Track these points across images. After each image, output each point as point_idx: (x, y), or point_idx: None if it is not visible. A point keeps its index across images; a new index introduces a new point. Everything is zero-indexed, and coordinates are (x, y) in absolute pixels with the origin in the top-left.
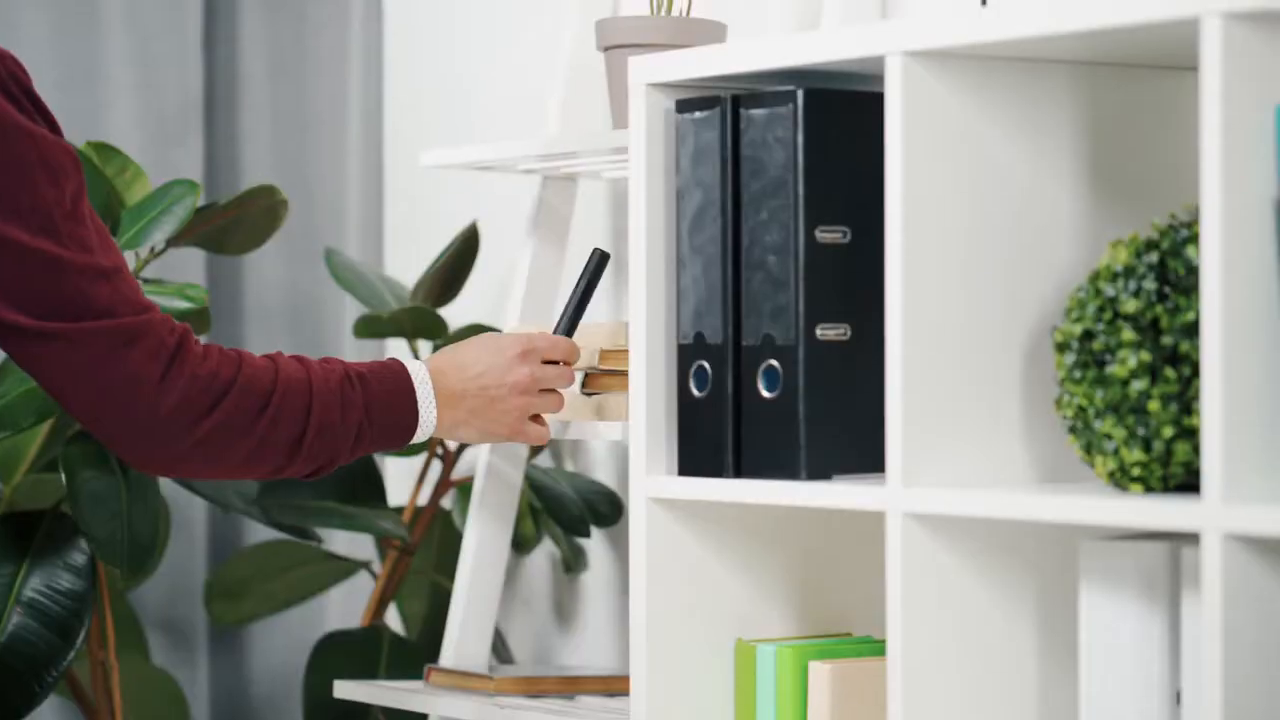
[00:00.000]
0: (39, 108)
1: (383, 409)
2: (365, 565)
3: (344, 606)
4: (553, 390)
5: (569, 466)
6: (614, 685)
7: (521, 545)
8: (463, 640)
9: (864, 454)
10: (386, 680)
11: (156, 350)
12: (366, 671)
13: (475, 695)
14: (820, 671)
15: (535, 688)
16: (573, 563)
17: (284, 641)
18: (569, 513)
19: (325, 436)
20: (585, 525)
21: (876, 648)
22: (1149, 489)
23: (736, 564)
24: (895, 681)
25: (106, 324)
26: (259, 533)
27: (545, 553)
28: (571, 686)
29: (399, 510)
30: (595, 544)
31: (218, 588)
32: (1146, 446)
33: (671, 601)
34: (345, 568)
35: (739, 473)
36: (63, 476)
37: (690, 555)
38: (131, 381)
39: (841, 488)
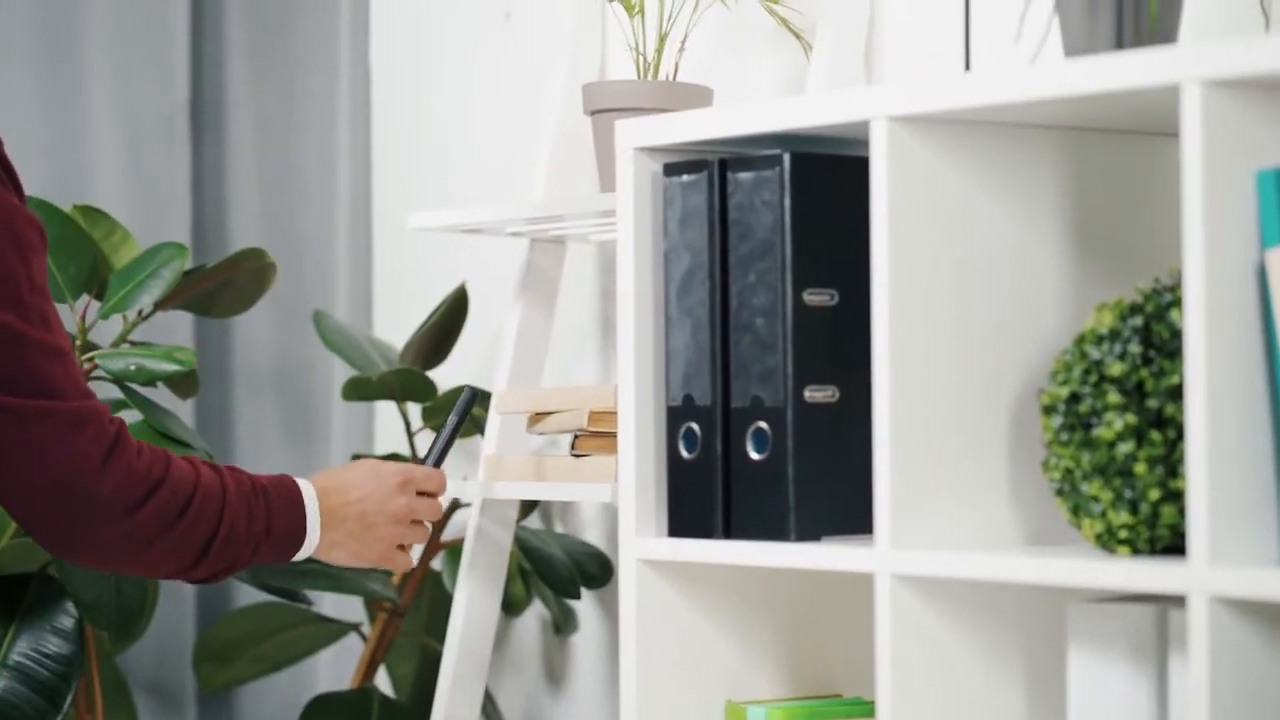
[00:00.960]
0: (9, 173)
1: (281, 523)
2: (355, 627)
3: (334, 668)
4: (420, 522)
5: (559, 528)
6: None
7: (511, 607)
8: (453, 702)
9: (853, 515)
10: None
11: (99, 437)
12: None
13: None
14: None
15: None
16: (563, 624)
17: (274, 704)
18: (559, 574)
19: (231, 543)
20: (575, 587)
21: (866, 709)
22: (1136, 551)
23: (726, 625)
24: None
25: (59, 405)
26: (248, 595)
27: (535, 614)
28: None
29: (388, 573)
30: (585, 605)
31: (206, 650)
32: (1133, 509)
33: (662, 662)
34: (335, 630)
35: (728, 534)
36: None
37: (680, 616)
38: (74, 464)
39: (831, 549)
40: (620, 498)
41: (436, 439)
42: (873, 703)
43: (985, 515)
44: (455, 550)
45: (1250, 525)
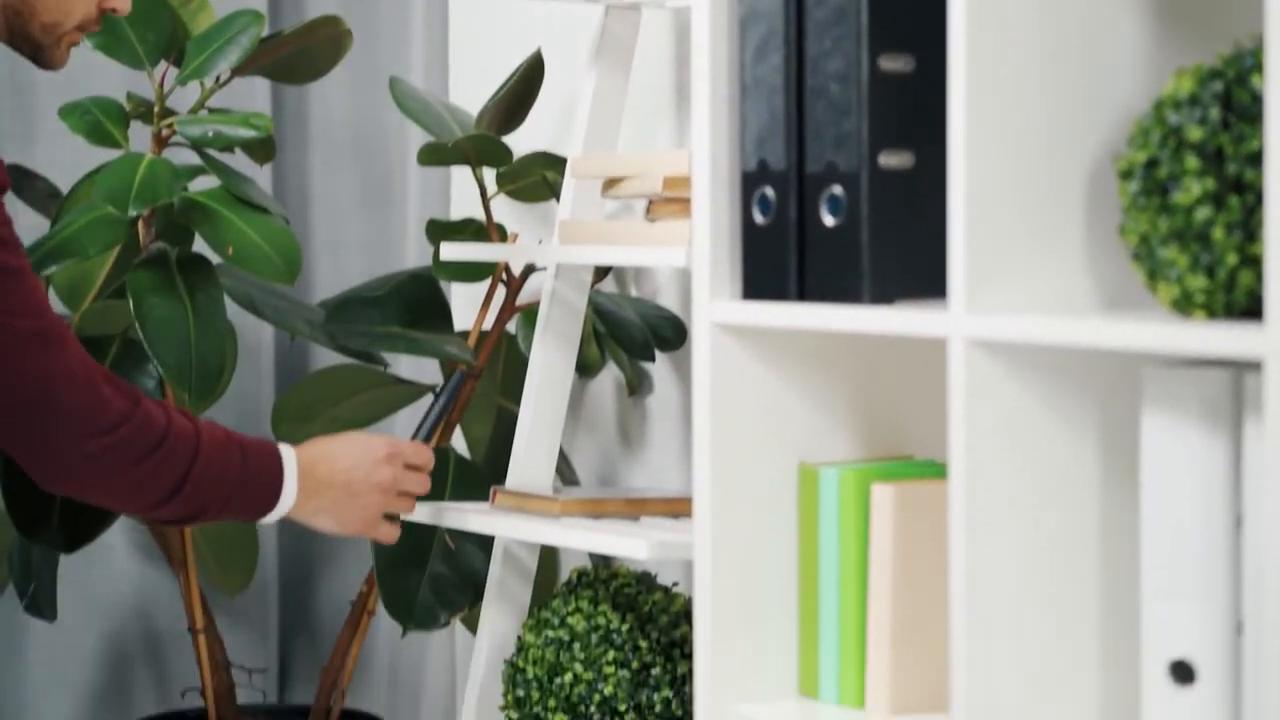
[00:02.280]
0: None
1: (254, 481)
2: (431, 389)
3: (410, 430)
4: (407, 494)
5: (633, 292)
6: (678, 507)
7: (586, 369)
8: (528, 463)
9: (927, 280)
10: (452, 502)
11: (65, 355)
12: (432, 494)
13: (540, 517)
14: (883, 494)
15: (599, 509)
16: (637, 386)
17: None
18: (633, 337)
19: (202, 488)
20: (649, 349)
21: (938, 470)
22: (1212, 316)
23: (800, 388)
24: (957, 504)
25: (20, 323)
26: (325, 358)
27: (610, 376)
28: (635, 508)
29: (464, 334)
30: (659, 368)
31: (285, 411)
32: (1210, 273)
33: (735, 425)
34: (411, 392)
35: (802, 298)
36: (130, 303)
37: (754, 379)
38: (41, 379)
39: (904, 313)
40: (694, 262)
41: (425, 416)
42: (945, 465)
43: (1060, 280)
44: (530, 313)
45: None
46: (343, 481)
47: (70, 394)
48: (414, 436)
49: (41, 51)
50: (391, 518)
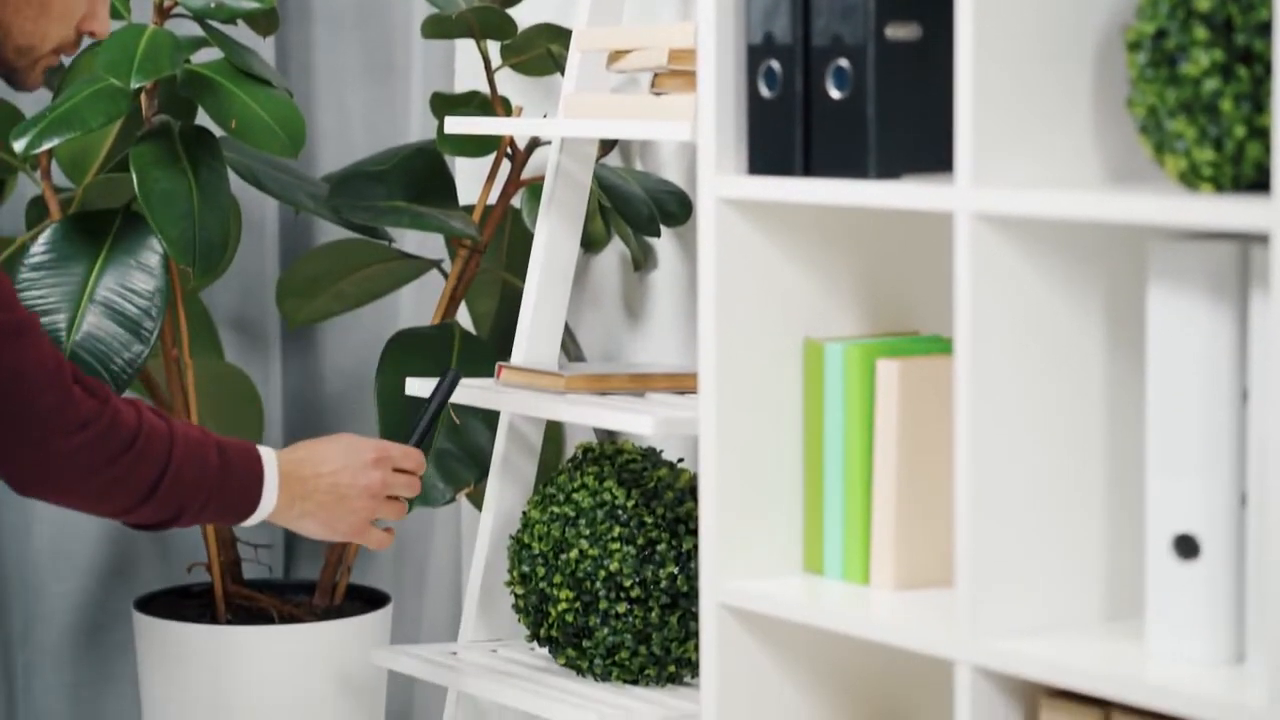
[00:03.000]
0: None
1: (233, 482)
2: (436, 264)
3: (415, 305)
4: (398, 498)
5: (638, 166)
6: (683, 383)
7: (591, 244)
8: (533, 338)
9: (934, 154)
10: None
11: (39, 347)
12: (438, 369)
13: (546, 393)
14: (888, 369)
15: (605, 385)
16: (642, 261)
17: (356, 339)
18: (638, 211)
19: (179, 488)
20: (655, 224)
21: (944, 346)
22: (1219, 188)
23: (805, 263)
24: (963, 380)
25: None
26: (330, 232)
27: (615, 251)
28: (641, 384)
29: (469, 209)
30: (664, 243)
31: (289, 286)
32: (1218, 146)
33: (740, 300)
34: (416, 266)
35: (808, 172)
36: (133, 177)
37: (759, 255)
38: (14, 374)
39: (910, 187)
40: (700, 136)
41: (417, 418)
42: (950, 341)
43: (1068, 154)
44: (535, 188)
45: None
46: (329, 485)
47: (40, 390)
48: (406, 439)
49: (15, 74)
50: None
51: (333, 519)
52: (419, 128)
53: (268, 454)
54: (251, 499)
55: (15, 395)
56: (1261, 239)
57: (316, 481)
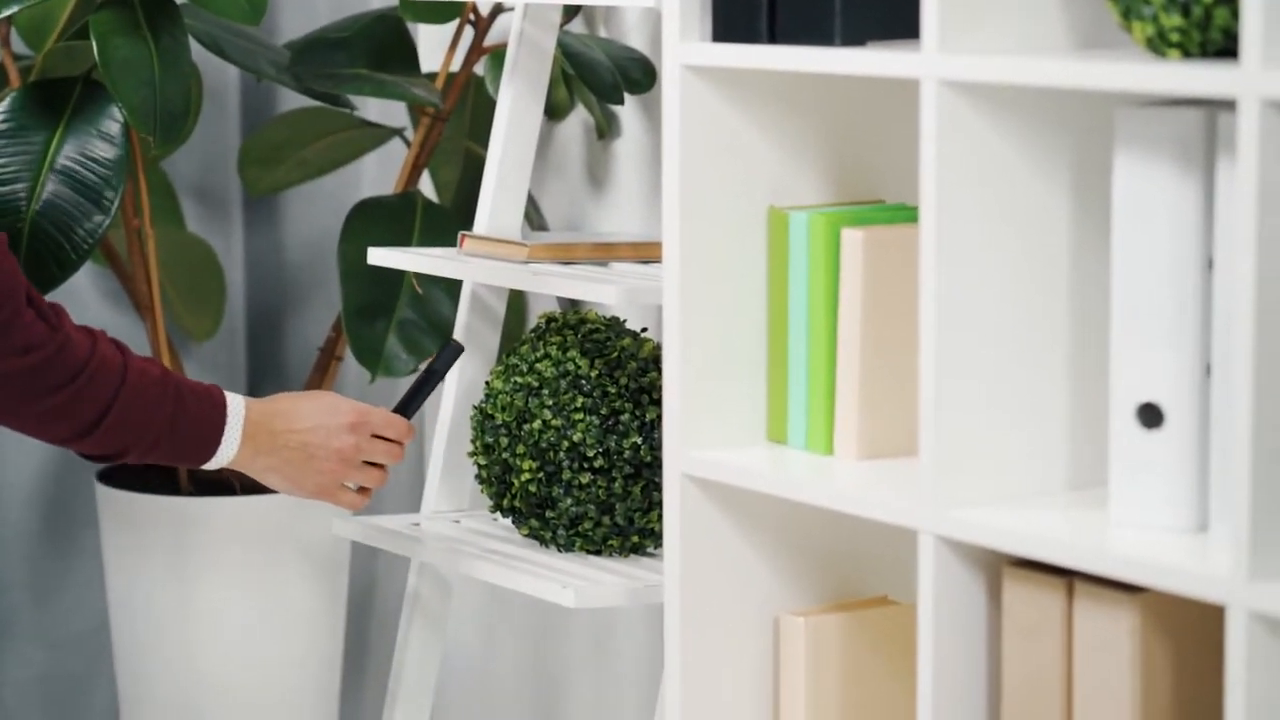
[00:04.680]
0: None
1: (187, 426)
2: (398, 132)
3: (378, 174)
4: (379, 465)
5: (602, 33)
6: (647, 251)
7: (554, 112)
8: (496, 207)
9: (900, 21)
10: (420, 247)
11: (11, 269)
12: (400, 238)
13: (508, 262)
14: (853, 238)
15: (568, 254)
16: (605, 129)
17: (319, 208)
18: (602, 79)
19: (124, 427)
20: (618, 91)
21: (909, 214)
22: (1187, 54)
23: (770, 131)
24: (928, 248)
25: None
26: (292, 100)
27: (578, 119)
28: (604, 253)
29: (432, 76)
30: (628, 110)
31: (251, 156)
32: (1185, 11)
33: (705, 168)
34: (378, 135)
35: (773, 39)
36: (93, 44)
37: (724, 122)
38: None
39: (876, 54)
40: (664, 2)
41: (411, 387)
42: (916, 209)
43: (1035, 20)
44: (498, 55)
45: None
46: (299, 443)
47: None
48: (395, 409)
49: None
50: (364, 490)
51: (298, 476)
52: None
53: (235, 403)
54: (207, 446)
55: None
56: (1228, 105)
57: (287, 437)
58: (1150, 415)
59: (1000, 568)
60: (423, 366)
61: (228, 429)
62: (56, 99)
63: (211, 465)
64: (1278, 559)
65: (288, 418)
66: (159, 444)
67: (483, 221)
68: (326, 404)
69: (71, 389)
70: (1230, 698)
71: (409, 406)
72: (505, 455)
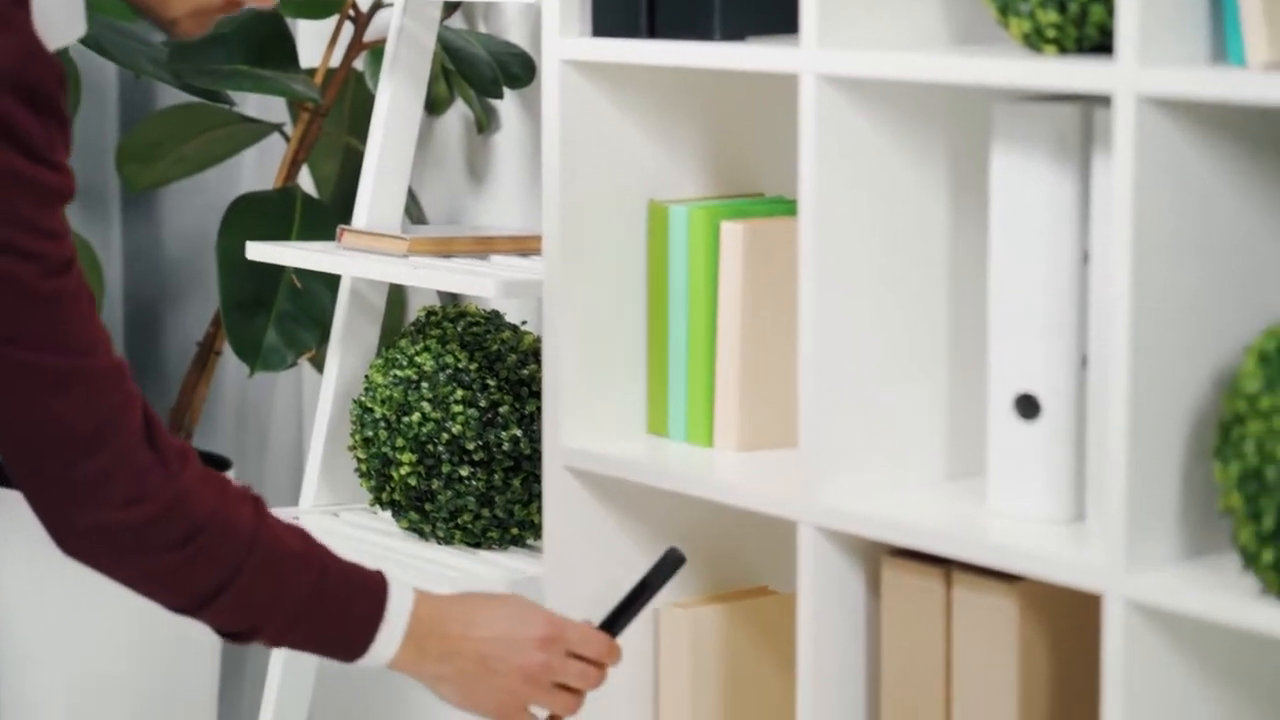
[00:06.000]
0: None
1: (331, 614)
2: (278, 127)
3: (257, 169)
4: (569, 689)
5: (481, 28)
6: (527, 245)
7: (434, 106)
8: (375, 201)
9: (779, 16)
10: (299, 241)
11: (92, 400)
12: (279, 233)
13: (388, 256)
14: (733, 231)
15: (448, 248)
16: (485, 123)
17: (198, 204)
18: (481, 73)
19: (250, 606)
20: (498, 86)
21: (788, 208)
22: (1063, 50)
23: (650, 126)
24: (807, 242)
25: (49, 360)
26: (170, 96)
27: (458, 114)
28: (484, 246)
29: (311, 72)
30: (508, 105)
31: (130, 152)
32: (1061, 7)
33: (584, 163)
34: (258, 130)
35: (653, 34)
36: None
37: (604, 117)
38: (59, 425)
39: (755, 49)
40: None
41: (622, 601)
42: (795, 203)
43: (913, 15)
44: (378, 50)
45: (1179, 25)
46: (476, 654)
47: (95, 450)
48: (600, 625)
49: (174, 26)
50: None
51: (474, 693)
52: None
53: (400, 597)
54: (358, 640)
55: (53, 450)
56: (1104, 101)
57: (463, 644)
58: (1027, 406)
59: (879, 558)
60: (647, 581)
61: (385, 625)
62: None
63: (366, 663)
64: (1153, 548)
65: (467, 622)
66: (297, 628)
67: (362, 216)
68: (515, 611)
69: (186, 551)
70: (1107, 684)
71: (617, 623)
72: (384, 448)
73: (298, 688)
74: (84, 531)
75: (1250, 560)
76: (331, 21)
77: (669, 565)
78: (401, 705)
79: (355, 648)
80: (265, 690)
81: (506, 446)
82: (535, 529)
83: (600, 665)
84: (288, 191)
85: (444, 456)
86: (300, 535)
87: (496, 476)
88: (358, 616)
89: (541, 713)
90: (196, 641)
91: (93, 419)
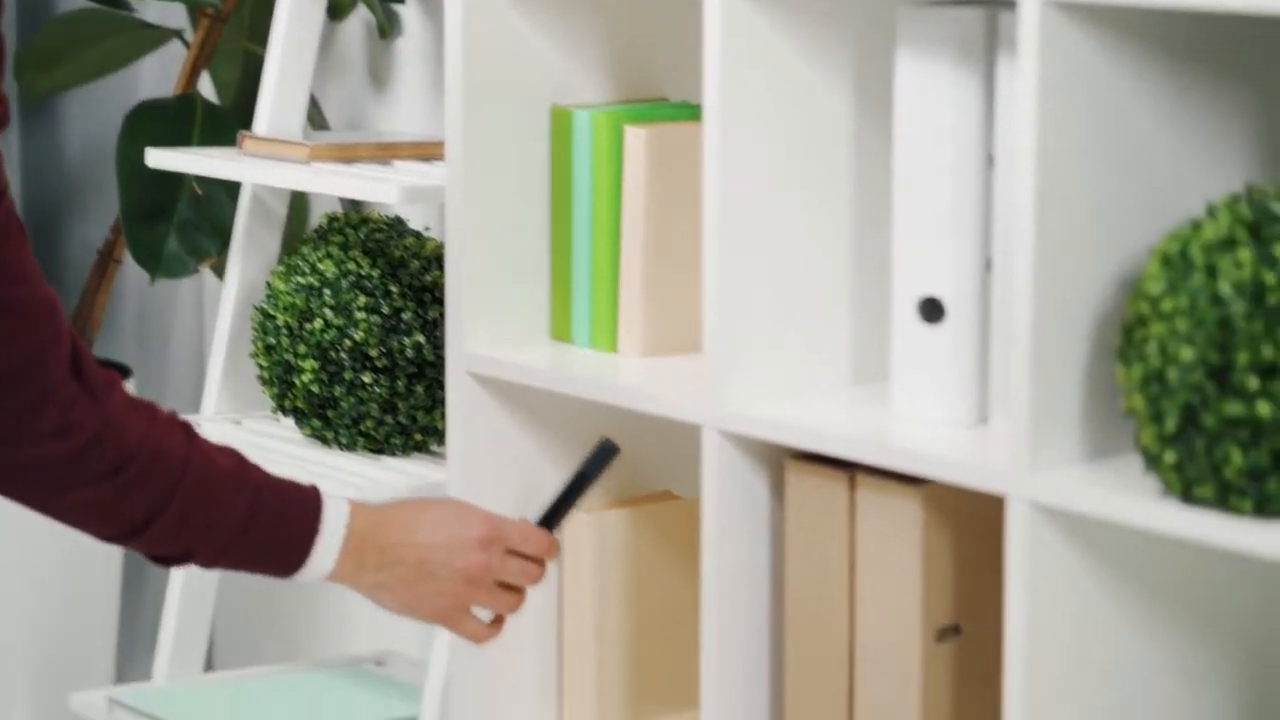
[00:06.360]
0: None
1: (267, 531)
2: (178, 34)
3: (157, 75)
4: (512, 587)
5: None
6: (429, 151)
7: (336, 11)
8: (276, 108)
9: None
10: (200, 148)
11: (23, 330)
12: (180, 140)
13: (289, 162)
14: (636, 135)
15: (350, 154)
16: (388, 29)
17: (97, 111)
18: None
19: (183, 530)
20: None
21: (693, 112)
22: None
23: (553, 30)
24: (711, 145)
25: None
26: (69, 2)
27: (360, 18)
28: (386, 152)
29: None
30: (409, 10)
31: (29, 59)
32: None
33: (487, 67)
34: (157, 36)
35: None
36: None
37: (506, 21)
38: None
39: None
40: None
41: (558, 495)
42: (699, 107)
43: None
44: None
45: None
46: (416, 559)
47: (11, 384)
48: (537, 520)
49: None
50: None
51: (415, 599)
52: None
53: (335, 510)
54: (294, 557)
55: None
56: (1009, 4)
57: (402, 551)
58: (931, 310)
59: (783, 461)
60: (580, 473)
61: (321, 538)
62: None
63: (304, 578)
64: (1056, 450)
65: (405, 529)
66: (231, 550)
67: (263, 122)
68: (453, 514)
69: (114, 482)
70: (1010, 585)
71: (554, 518)
72: (287, 355)
73: (200, 594)
74: (12, 467)
75: (1152, 462)
76: None
77: (603, 456)
78: (305, 611)
79: (291, 564)
80: (166, 600)
81: (409, 353)
82: (438, 435)
83: (540, 561)
84: (188, 98)
85: (346, 363)
86: (232, 455)
87: (399, 383)
88: (293, 533)
89: (483, 614)
90: (97, 552)
91: (21, 352)
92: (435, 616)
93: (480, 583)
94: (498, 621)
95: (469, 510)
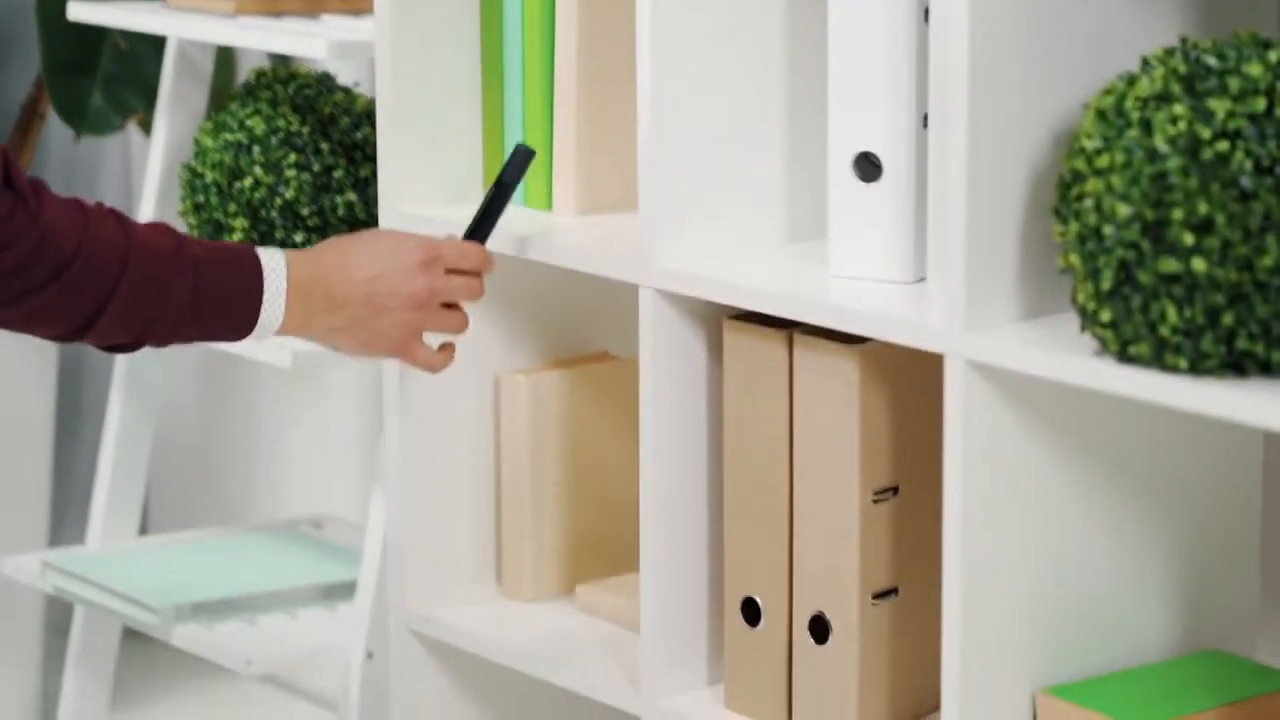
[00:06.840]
0: None
1: (214, 300)
2: None
3: None
4: (456, 306)
5: None
6: (357, 4)
7: None
8: None
9: None
10: (123, 1)
11: None
12: None
13: (215, 16)
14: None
15: (277, 8)
16: None
17: None
18: None
19: (131, 317)
20: None
21: None
22: None
23: None
24: (645, 2)
25: None
26: None
27: None
28: (314, 6)
29: None
30: None
31: None
32: None
33: None
34: None
35: None
36: None
37: None
38: None
39: None
40: None
41: (481, 207)
42: None
43: None
44: None
45: None
46: (363, 295)
47: None
48: (465, 235)
49: None
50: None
51: (370, 335)
52: None
53: (274, 261)
54: (245, 317)
55: None
56: None
57: (347, 291)
58: (867, 167)
59: (720, 321)
60: (498, 182)
61: (267, 294)
62: None
63: (256, 337)
64: (993, 308)
65: (347, 270)
66: (182, 326)
67: None
68: (389, 244)
69: (59, 284)
70: (948, 444)
71: (480, 229)
72: (216, 214)
73: (134, 457)
74: None
75: (1088, 319)
76: None
77: (519, 161)
78: (241, 475)
79: (243, 325)
80: (99, 463)
81: (341, 211)
82: None
83: (478, 274)
84: None
85: (277, 222)
86: (166, 232)
87: None
88: (240, 295)
89: (431, 339)
90: (31, 414)
91: None
92: (390, 349)
93: (428, 306)
94: (447, 348)
95: (402, 236)
